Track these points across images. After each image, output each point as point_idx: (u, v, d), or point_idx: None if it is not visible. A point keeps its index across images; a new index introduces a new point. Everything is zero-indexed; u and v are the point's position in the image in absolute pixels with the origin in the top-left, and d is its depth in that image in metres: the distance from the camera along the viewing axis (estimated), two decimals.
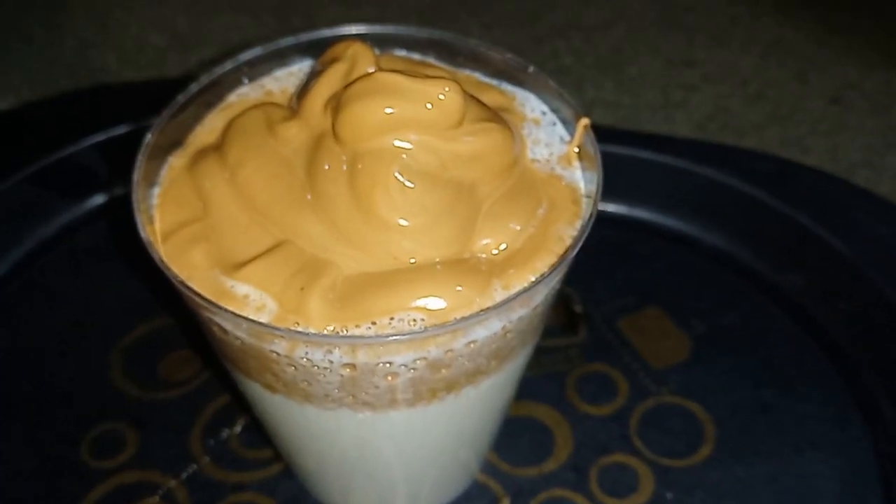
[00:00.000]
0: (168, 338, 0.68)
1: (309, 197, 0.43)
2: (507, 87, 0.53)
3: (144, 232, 0.43)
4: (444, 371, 0.43)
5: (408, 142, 0.42)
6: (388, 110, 0.42)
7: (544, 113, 0.51)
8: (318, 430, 0.47)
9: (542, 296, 0.43)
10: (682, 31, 1.03)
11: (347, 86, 0.43)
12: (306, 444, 0.51)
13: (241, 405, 0.63)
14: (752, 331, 0.69)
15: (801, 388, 0.65)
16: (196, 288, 0.41)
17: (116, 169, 0.76)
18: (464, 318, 0.40)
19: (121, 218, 0.73)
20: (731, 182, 0.75)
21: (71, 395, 0.64)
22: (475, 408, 0.49)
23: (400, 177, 0.42)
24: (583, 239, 0.43)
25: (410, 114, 0.42)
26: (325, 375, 0.42)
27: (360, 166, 0.42)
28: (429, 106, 0.42)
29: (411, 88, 0.42)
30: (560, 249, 0.43)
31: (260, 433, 0.61)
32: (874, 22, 1.04)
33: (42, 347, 0.67)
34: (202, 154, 0.48)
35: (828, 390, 0.65)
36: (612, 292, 0.72)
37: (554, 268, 0.42)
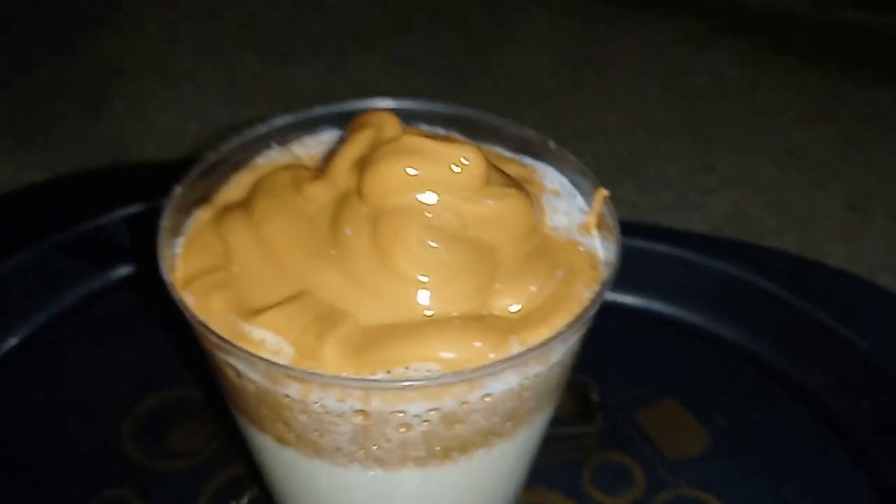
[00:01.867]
0: (180, 409, 0.67)
1: (333, 252, 0.44)
2: (528, 161, 0.54)
3: (167, 275, 0.43)
4: (457, 427, 0.42)
5: (431, 201, 0.43)
6: (413, 171, 0.43)
7: (563, 185, 0.52)
8: (326, 487, 0.46)
9: (559, 354, 0.43)
10: (702, 138, 1.05)
11: (374, 148, 0.45)
12: None
13: (250, 477, 0.61)
14: (773, 427, 0.68)
15: (822, 487, 0.63)
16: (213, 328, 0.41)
17: (141, 242, 0.77)
18: (480, 368, 0.40)
19: (142, 289, 0.75)
20: (751, 278, 0.75)
21: (81, 461, 0.63)
22: (487, 476, 0.48)
23: (421, 233, 0.42)
24: (601, 300, 0.43)
25: (434, 175, 0.43)
26: (337, 424, 0.41)
27: (382, 221, 0.43)
28: (454, 168, 0.43)
29: (436, 151, 0.44)
30: (578, 310, 0.43)
31: None
32: (893, 133, 1.06)
33: (56, 412, 0.66)
34: (228, 209, 0.49)
35: (849, 489, 0.63)
36: (629, 383, 0.71)
37: (571, 325, 0.42)
